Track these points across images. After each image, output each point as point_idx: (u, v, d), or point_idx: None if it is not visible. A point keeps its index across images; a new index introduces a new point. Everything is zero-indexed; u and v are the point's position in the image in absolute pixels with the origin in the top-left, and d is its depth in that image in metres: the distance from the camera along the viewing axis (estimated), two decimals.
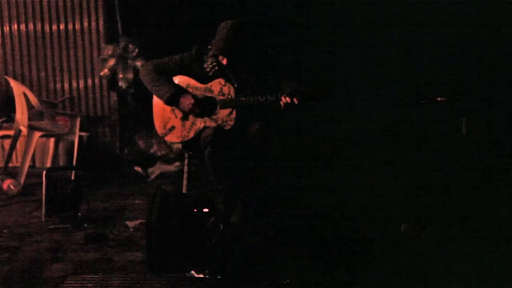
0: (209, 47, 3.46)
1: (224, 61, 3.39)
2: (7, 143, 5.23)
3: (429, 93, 3.71)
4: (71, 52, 5.87)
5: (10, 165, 4.93)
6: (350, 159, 4.91)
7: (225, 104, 3.39)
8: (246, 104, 3.33)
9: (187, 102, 3.42)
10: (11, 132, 4.95)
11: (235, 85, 3.39)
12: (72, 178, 3.80)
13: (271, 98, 3.27)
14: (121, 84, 5.55)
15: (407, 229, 3.33)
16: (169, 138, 3.60)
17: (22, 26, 5.84)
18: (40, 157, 5.54)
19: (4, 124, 5.29)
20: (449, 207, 3.64)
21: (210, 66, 3.45)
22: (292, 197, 4.16)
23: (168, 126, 3.54)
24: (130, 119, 5.75)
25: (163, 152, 5.35)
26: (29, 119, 4.63)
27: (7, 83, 5.31)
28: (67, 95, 5.90)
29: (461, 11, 4.83)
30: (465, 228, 3.32)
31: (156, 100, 3.57)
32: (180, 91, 3.45)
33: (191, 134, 3.47)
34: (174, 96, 3.42)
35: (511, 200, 3.77)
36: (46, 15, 5.84)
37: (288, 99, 3.20)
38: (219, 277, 2.66)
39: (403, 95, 4.79)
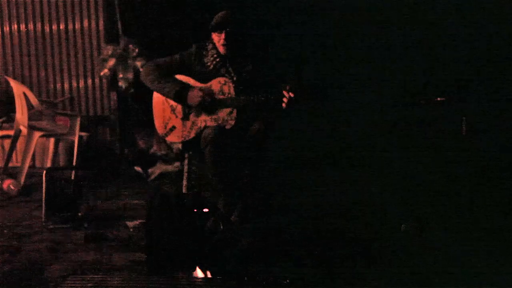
0: (207, 44, 3.47)
1: (221, 49, 3.40)
2: (7, 143, 5.23)
3: (429, 93, 3.71)
4: (71, 52, 5.87)
5: (10, 165, 4.92)
6: (350, 159, 4.90)
7: (225, 104, 3.39)
8: (246, 103, 3.33)
9: (196, 95, 3.40)
10: (11, 132, 4.95)
11: (234, 78, 3.38)
12: (72, 178, 3.80)
13: (272, 97, 3.27)
14: (121, 84, 5.55)
15: (407, 229, 3.33)
16: (170, 138, 3.60)
17: (22, 26, 5.84)
18: (40, 157, 5.54)
19: (4, 124, 5.29)
20: (449, 207, 3.63)
21: (211, 58, 3.45)
22: (292, 197, 4.15)
23: (169, 126, 3.53)
24: (130, 119, 5.75)
25: (163, 152, 5.35)
26: (29, 119, 4.62)
27: (7, 83, 5.31)
28: (67, 95, 5.90)
29: (461, 11, 4.83)
30: (465, 228, 3.32)
31: (156, 100, 3.57)
32: (185, 86, 3.45)
33: (192, 134, 3.47)
34: (181, 91, 3.41)
35: (511, 200, 3.77)
36: (46, 15, 5.84)
37: (290, 94, 3.19)
38: (219, 277, 2.65)
39: (403, 95, 4.79)
